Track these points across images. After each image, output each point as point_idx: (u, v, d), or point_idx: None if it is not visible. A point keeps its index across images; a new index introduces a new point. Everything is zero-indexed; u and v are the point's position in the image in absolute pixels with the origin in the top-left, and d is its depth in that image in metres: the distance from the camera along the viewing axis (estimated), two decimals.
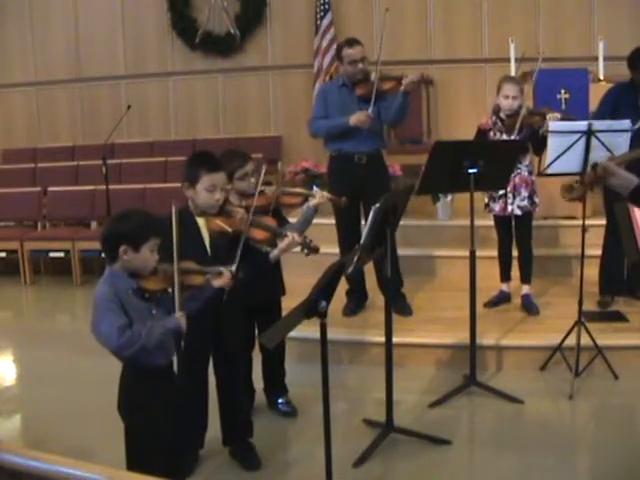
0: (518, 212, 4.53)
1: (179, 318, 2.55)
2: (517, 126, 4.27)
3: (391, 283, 3.84)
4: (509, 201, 4.52)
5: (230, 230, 3.03)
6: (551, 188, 4.86)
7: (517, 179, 4.49)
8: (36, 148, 8.83)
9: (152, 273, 2.56)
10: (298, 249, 3.19)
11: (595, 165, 3.32)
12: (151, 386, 2.56)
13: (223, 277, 2.71)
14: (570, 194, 3.58)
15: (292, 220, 3.72)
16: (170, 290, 2.61)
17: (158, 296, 2.59)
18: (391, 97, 4.50)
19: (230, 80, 8.61)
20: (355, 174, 4.58)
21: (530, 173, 4.51)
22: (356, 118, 4.45)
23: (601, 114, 4.41)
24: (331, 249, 4.77)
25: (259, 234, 3.14)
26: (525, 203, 4.52)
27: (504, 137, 4.40)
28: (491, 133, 4.47)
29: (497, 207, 4.56)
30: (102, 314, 2.46)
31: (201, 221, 3.08)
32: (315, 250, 3.15)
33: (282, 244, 3.20)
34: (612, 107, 4.43)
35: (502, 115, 4.46)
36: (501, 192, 4.49)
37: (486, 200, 4.63)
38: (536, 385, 4.07)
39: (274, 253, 3.25)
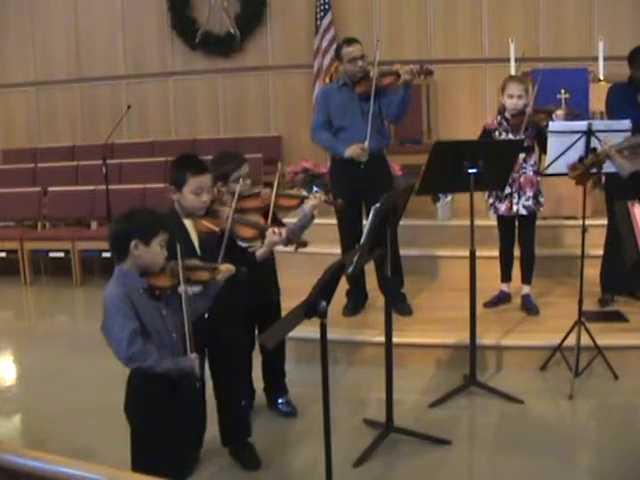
0: (524, 212, 4.52)
1: (193, 359, 2.57)
2: (523, 125, 4.28)
3: (391, 283, 3.84)
4: (514, 201, 4.51)
5: (217, 230, 3.04)
6: (549, 187, 4.87)
7: (523, 179, 4.49)
8: (36, 148, 8.83)
9: (161, 270, 2.56)
10: (284, 242, 3.20)
11: (594, 150, 3.53)
12: (160, 388, 2.55)
13: (224, 270, 2.71)
14: (574, 172, 3.81)
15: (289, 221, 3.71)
16: (178, 285, 2.60)
17: (168, 293, 2.59)
18: (392, 93, 4.52)
19: (230, 80, 8.61)
20: (357, 174, 4.57)
21: (536, 173, 4.50)
22: (352, 150, 4.49)
23: (622, 111, 4.31)
24: (331, 249, 4.78)
25: (245, 231, 3.15)
26: (530, 203, 4.52)
27: (510, 137, 4.40)
28: (496, 133, 4.47)
29: (503, 207, 4.55)
30: (113, 316, 2.45)
31: (188, 223, 3.08)
32: (303, 244, 3.16)
33: (268, 239, 3.20)
34: (624, 103, 4.39)
35: (507, 115, 4.46)
36: (507, 192, 4.49)
37: (491, 200, 4.62)
38: (536, 385, 4.06)
39: (261, 250, 3.24)
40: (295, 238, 3.20)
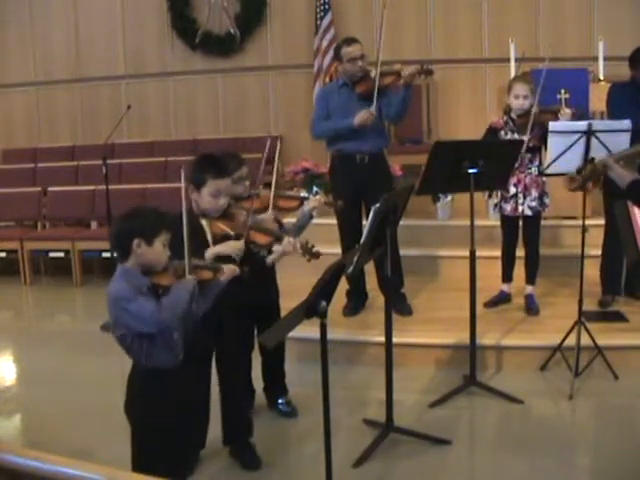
0: (529, 212, 4.52)
1: (192, 279, 2.55)
2: (529, 125, 4.28)
3: (391, 283, 3.83)
4: (520, 202, 4.51)
5: (232, 233, 3.05)
6: (549, 187, 4.87)
7: (528, 179, 4.49)
8: (36, 148, 8.83)
9: (164, 269, 2.56)
10: (299, 252, 3.19)
11: (592, 160, 3.53)
12: (161, 388, 2.54)
13: (228, 270, 2.71)
14: (571, 185, 3.82)
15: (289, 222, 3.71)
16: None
17: None
18: (392, 93, 4.51)
19: (230, 80, 8.61)
20: (357, 174, 4.57)
21: (541, 174, 4.50)
22: (360, 117, 4.45)
23: (623, 111, 4.27)
24: (331, 249, 4.77)
25: (260, 238, 3.15)
26: (535, 204, 4.51)
27: (515, 137, 4.39)
28: (502, 132, 4.47)
29: (509, 207, 4.55)
30: (127, 301, 2.43)
31: (205, 222, 3.09)
32: (316, 255, 3.13)
33: (281, 248, 3.19)
34: (626, 103, 4.38)
35: (513, 115, 4.46)
36: (512, 192, 4.50)
37: (496, 200, 4.63)
38: (536, 385, 4.07)
39: (271, 257, 3.24)
40: (310, 249, 3.17)
